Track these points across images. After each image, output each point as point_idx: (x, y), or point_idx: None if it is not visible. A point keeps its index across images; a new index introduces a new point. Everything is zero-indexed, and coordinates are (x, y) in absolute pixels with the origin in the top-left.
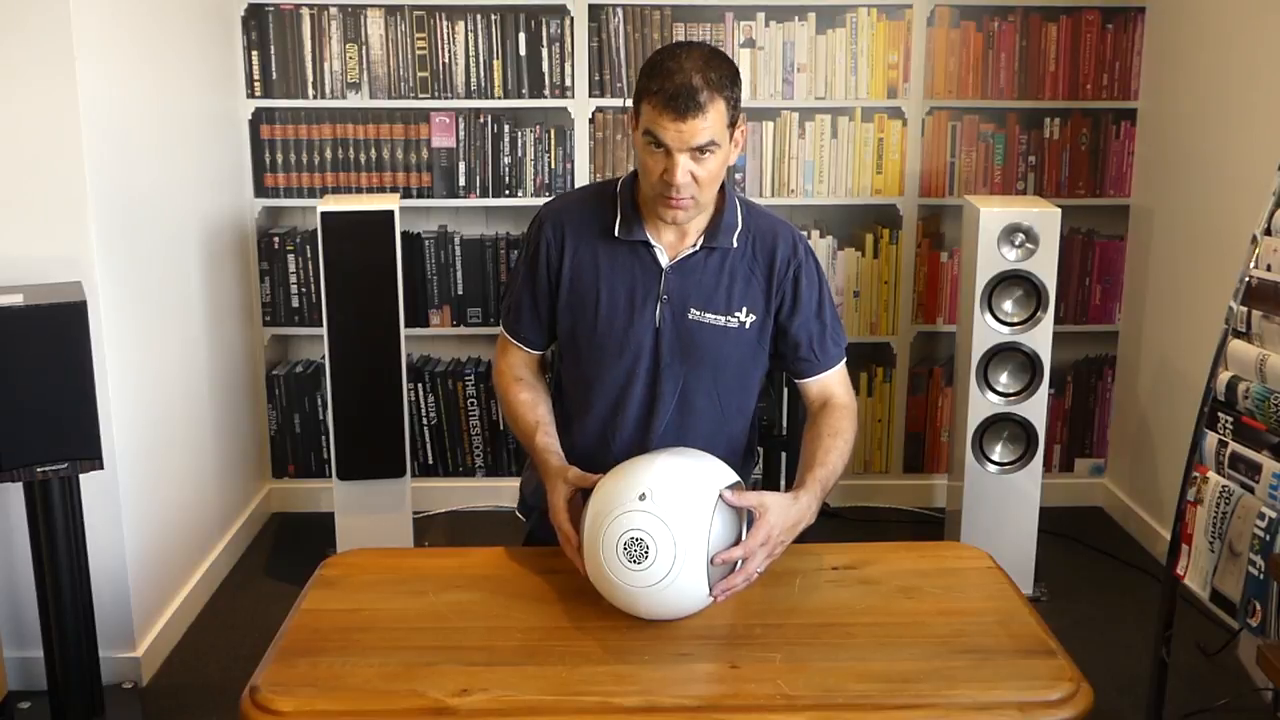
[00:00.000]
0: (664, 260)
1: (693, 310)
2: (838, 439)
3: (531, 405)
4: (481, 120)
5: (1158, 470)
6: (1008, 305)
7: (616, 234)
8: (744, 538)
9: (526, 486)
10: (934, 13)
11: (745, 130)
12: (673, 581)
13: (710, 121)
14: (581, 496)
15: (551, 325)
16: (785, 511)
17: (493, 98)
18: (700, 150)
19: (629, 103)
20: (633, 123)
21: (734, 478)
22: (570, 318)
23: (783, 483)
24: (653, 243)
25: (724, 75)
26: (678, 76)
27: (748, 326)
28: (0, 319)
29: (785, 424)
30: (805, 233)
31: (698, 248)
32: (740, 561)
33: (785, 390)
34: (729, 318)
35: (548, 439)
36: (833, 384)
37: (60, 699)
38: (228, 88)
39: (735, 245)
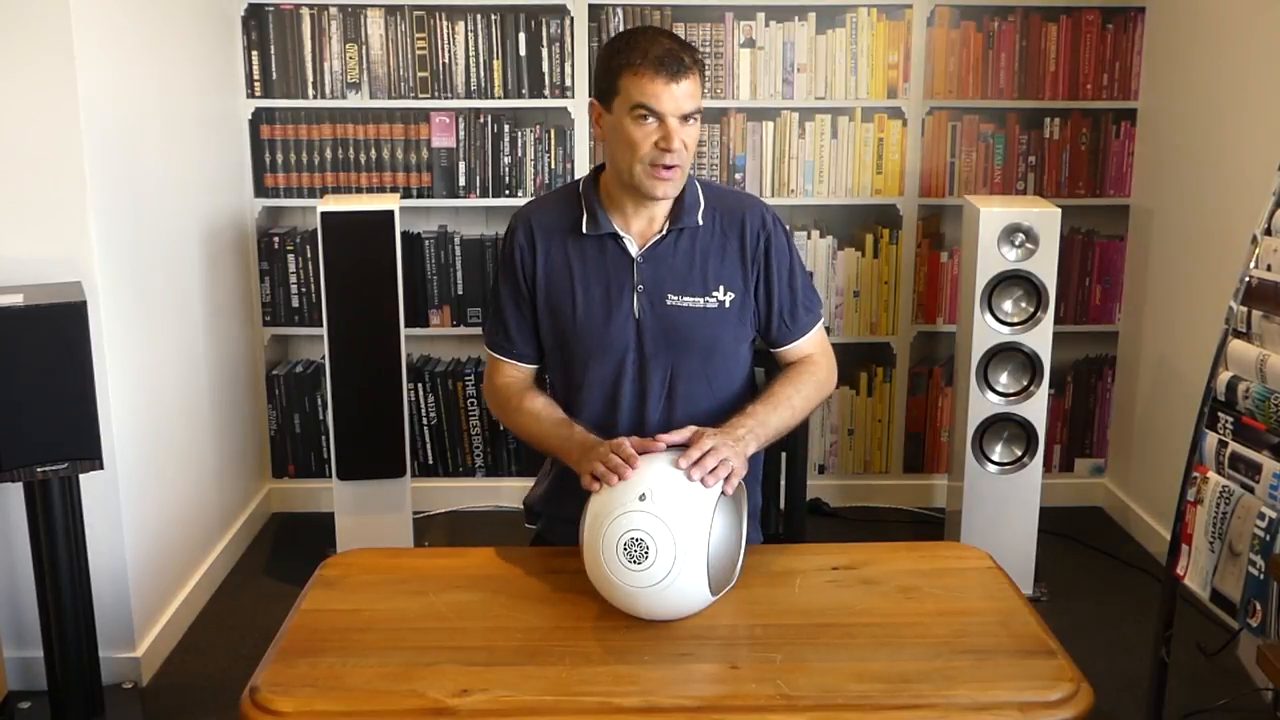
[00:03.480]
0: (634, 250)
1: (670, 296)
2: (789, 385)
3: (553, 405)
4: (481, 120)
5: (1158, 470)
6: (1008, 305)
7: (585, 230)
8: (743, 536)
9: (531, 497)
10: (934, 13)
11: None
12: (673, 582)
13: (695, 86)
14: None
15: (536, 335)
16: (720, 436)
17: (493, 98)
18: (687, 117)
19: None
20: (599, 109)
21: None
22: (550, 321)
23: (783, 482)
24: (621, 234)
25: (691, 47)
26: (659, 43)
27: (728, 305)
28: (0, 319)
29: None
30: (805, 232)
31: (665, 231)
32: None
33: None
34: (707, 298)
35: (583, 429)
36: (807, 347)
37: (60, 699)
38: (228, 88)
39: (702, 223)
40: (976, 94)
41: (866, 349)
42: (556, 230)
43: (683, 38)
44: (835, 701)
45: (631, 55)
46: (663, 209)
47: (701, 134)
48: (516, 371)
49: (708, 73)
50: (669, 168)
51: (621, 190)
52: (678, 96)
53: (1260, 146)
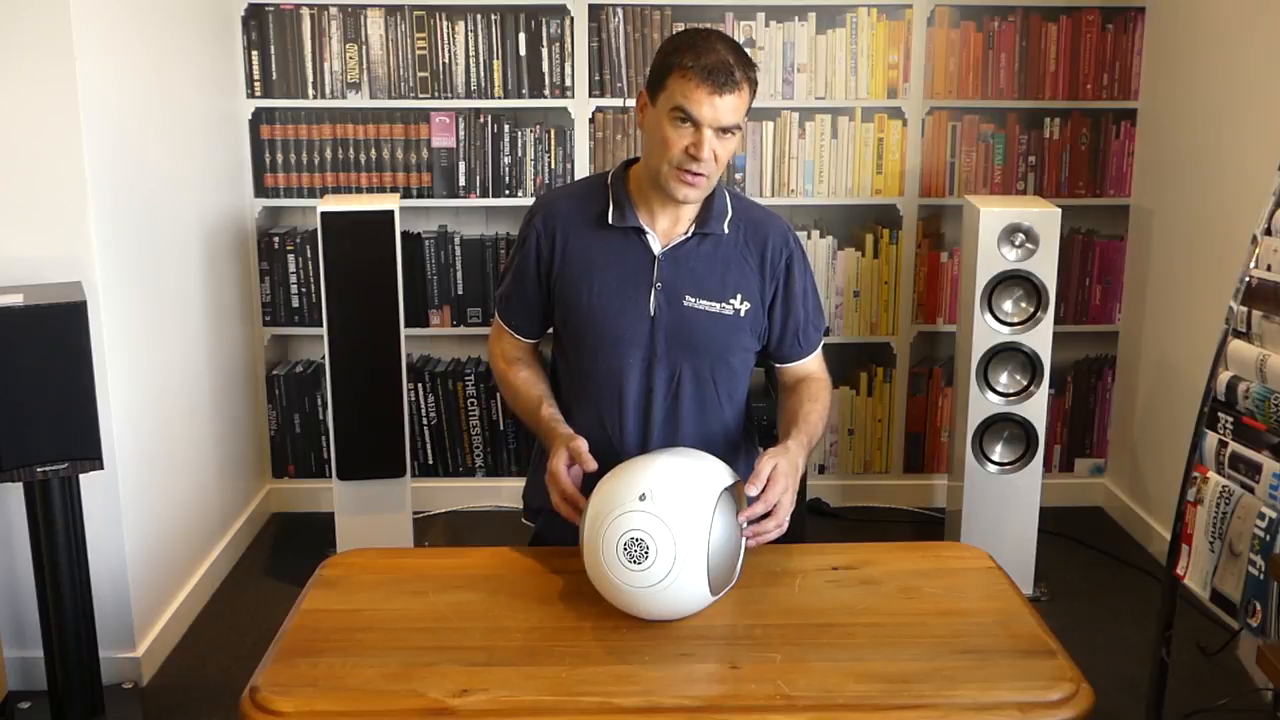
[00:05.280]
0: (656, 247)
1: (688, 297)
2: (816, 403)
3: (534, 382)
4: (481, 120)
5: (1158, 470)
6: (1008, 305)
7: (610, 221)
8: (744, 536)
9: (529, 491)
10: (934, 13)
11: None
12: (673, 582)
13: (740, 102)
14: (584, 480)
15: (541, 316)
16: (787, 459)
17: (493, 98)
18: (725, 130)
19: (629, 103)
20: (642, 101)
21: (734, 478)
22: (563, 308)
23: None
24: (646, 229)
25: (749, 62)
26: (713, 54)
27: (743, 314)
28: (0, 319)
29: None
30: (805, 233)
31: (690, 234)
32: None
33: None
34: (724, 305)
35: (553, 410)
36: (810, 366)
37: (60, 699)
38: (228, 88)
39: (727, 232)
40: (976, 94)
41: (866, 349)
42: (578, 220)
43: (743, 49)
44: (835, 701)
45: (685, 56)
46: (689, 211)
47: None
48: (514, 340)
49: None
50: (696, 174)
51: (651, 186)
52: (719, 109)
53: (1260, 146)
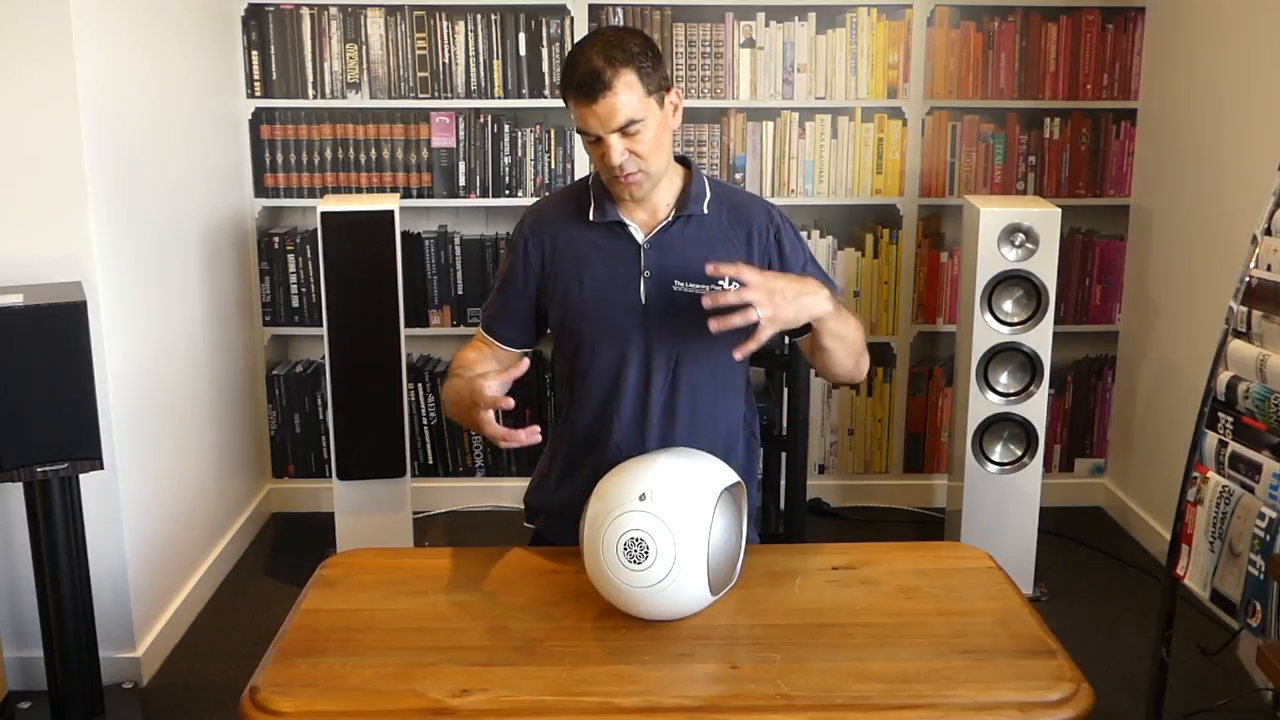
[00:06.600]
0: (640, 237)
1: (676, 282)
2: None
3: (470, 362)
4: (481, 120)
5: (1158, 470)
6: (1008, 305)
7: (591, 219)
8: (744, 536)
9: (530, 494)
10: (934, 13)
11: (680, 94)
12: (673, 581)
13: (623, 98)
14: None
15: (529, 323)
16: (779, 273)
17: (493, 98)
18: (625, 128)
19: None
20: None
21: (735, 478)
22: (558, 309)
23: (783, 482)
24: (626, 222)
25: (627, 50)
26: (581, 65)
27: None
28: (0, 319)
29: (785, 424)
30: (805, 233)
31: (671, 219)
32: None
33: (785, 390)
34: (713, 286)
35: (467, 371)
36: None
37: (60, 699)
38: (228, 88)
39: (708, 213)
40: (976, 94)
41: (867, 349)
42: (564, 220)
43: (623, 36)
44: (835, 701)
45: (565, 77)
46: (665, 199)
47: (701, 134)
48: (484, 345)
49: (706, 72)
50: (625, 174)
51: None
52: (601, 116)
53: (1260, 146)
